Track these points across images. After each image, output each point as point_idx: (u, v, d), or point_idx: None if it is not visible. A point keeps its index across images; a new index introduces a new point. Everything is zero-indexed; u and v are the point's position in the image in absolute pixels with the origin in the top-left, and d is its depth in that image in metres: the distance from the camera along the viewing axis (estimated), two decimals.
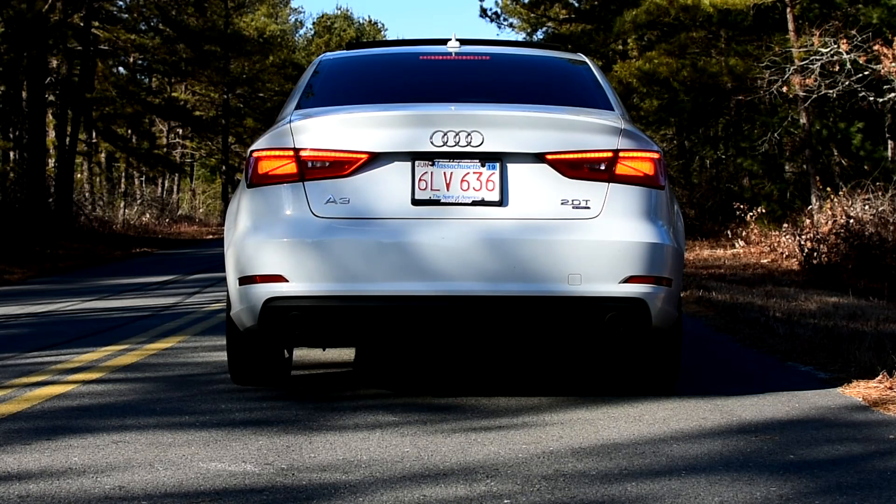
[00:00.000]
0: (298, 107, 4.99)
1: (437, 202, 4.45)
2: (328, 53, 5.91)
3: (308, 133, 4.51)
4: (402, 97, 5.24)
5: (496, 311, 4.42)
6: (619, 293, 4.40)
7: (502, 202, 4.44)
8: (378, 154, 4.45)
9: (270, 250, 4.42)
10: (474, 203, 4.44)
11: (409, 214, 4.44)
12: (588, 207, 4.46)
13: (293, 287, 4.38)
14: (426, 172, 4.47)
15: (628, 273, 4.40)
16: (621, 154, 4.52)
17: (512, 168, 4.48)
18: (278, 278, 4.40)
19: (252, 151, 4.63)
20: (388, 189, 4.46)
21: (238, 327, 4.68)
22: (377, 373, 5.74)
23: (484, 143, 4.43)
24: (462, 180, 4.48)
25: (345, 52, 5.97)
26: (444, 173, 4.47)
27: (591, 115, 4.83)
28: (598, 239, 4.41)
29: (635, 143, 4.56)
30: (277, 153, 4.52)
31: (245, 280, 4.48)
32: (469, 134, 4.44)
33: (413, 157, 4.46)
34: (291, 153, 4.49)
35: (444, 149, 4.43)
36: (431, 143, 4.43)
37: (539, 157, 4.47)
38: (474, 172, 4.48)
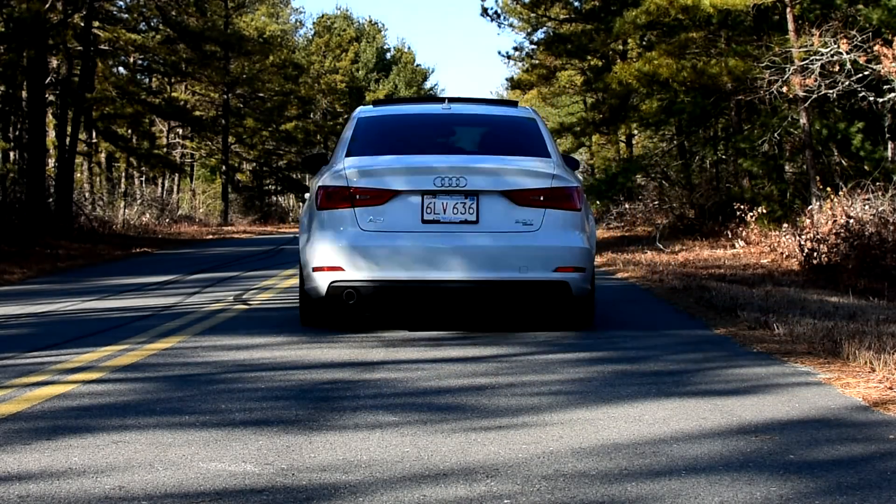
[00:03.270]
0: (348, 154, 7.24)
1: (437, 221, 6.82)
2: (363, 110, 8.06)
3: (357, 178, 6.87)
4: (415, 149, 7.42)
5: (475, 290, 6.84)
6: (551, 278, 6.79)
7: (478, 222, 6.82)
8: (401, 191, 6.80)
9: (334, 251, 6.78)
10: (461, 222, 6.82)
11: (420, 229, 6.79)
12: (531, 224, 6.81)
13: (347, 275, 6.76)
14: (430, 203, 6.81)
15: (557, 265, 6.79)
16: (553, 190, 6.83)
17: (484, 199, 6.82)
18: (338, 269, 6.78)
19: (319, 186, 6.96)
20: (406, 213, 6.80)
21: (310, 296, 7.05)
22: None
23: (467, 184, 6.77)
24: (453, 208, 6.83)
25: (374, 109, 8.13)
26: (442, 204, 6.82)
27: (534, 162, 7.15)
28: (538, 245, 6.79)
29: (562, 182, 6.91)
30: (337, 189, 6.86)
31: (318, 269, 6.85)
32: (457, 178, 6.77)
33: (422, 193, 6.81)
34: (346, 191, 6.84)
35: (442, 188, 6.78)
36: (434, 184, 6.77)
37: (501, 193, 6.81)
38: (460, 203, 6.82)
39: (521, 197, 6.80)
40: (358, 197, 6.80)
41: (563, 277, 6.77)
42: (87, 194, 31.03)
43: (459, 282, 6.74)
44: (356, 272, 6.75)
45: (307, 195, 7.77)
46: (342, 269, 6.77)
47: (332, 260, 6.78)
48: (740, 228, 17.69)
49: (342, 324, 7.57)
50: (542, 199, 6.80)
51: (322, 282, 6.81)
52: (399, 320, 7.99)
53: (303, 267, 7.10)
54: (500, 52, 45.39)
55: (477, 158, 7.39)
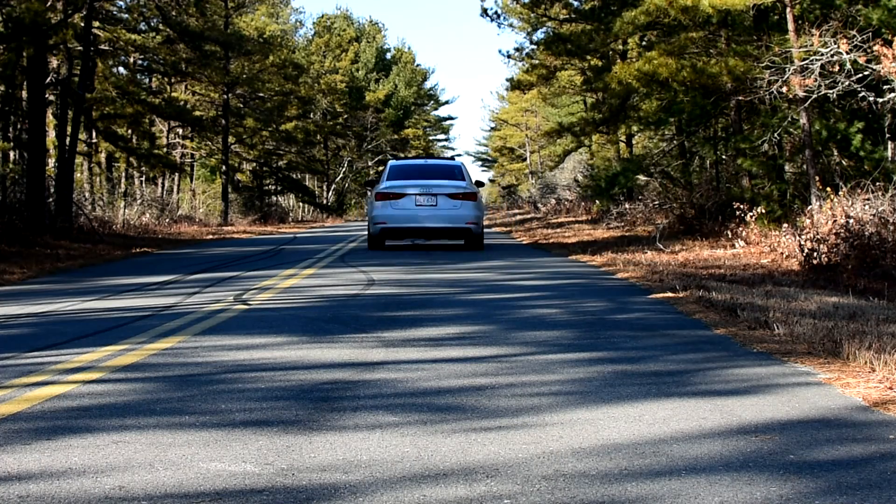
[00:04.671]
0: (387, 179, 18.22)
1: (421, 205, 17.65)
2: (393, 162, 19.58)
3: (390, 189, 17.72)
4: (412, 178, 18.18)
5: (436, 230, 17.63)
6: (464, 226, 17.55)
7: (436, 206, 17.56)
8: (406, 194, 17.55)
9: (383, 215, 17.58)
10: (429, 205, 17.60)
11: (414, 208, 17.61)
12: (457, 206, 17.56)
13: (387, 224, 17.56)
14: (418, 198, 17.60)
15: (466, 221, 17.51)
16: (466, 193, 17.72)
17: (439, 197, 17.54)
18: (384, 222, 17.63)
19: (376, 192, 17.90)
20: (409, 202, 17.58)
21: (373, 234, 17.94)
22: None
23: (432, 191, 17.63)
24: (426, 200, 17.59)
25: (397, 161, 19.95)
26: (423, 199, 17.62)
27: (458, 182, 18.01)
28: (459, 214, 17.54)
29: (468, 190, 17.77)
30: (384, 193, 17.69)
31: (376, 222, 17.72)
32: (428, 188, 17.65)
33: (414, 194, 17.61)
34: (388, 193, 17.67)
35: (422, 192, 17.66)
36: (419, 191, 17.64)
37: (446, 195, 17.57)
38: (429, 198, 17.63)
39: (453, 196, 17.37)
40: (391, 195, 17.46)
41: (468, 226, 17.44)
42: (87, 194, 31.01)
43: (430, 227, 17.37)
44: (391, 223, 17.36)
45: (369, 196, 18.81)
46: (385, 223, 17.43)
47: (381, 219, 17.42)
48: (740, 228, 17.67)
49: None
50: (461, 196, 17.47)
51: (377, 227, 17.53)
52: (401, 318, 8.00)
53: (370, 222, 17.90)
54: (500, 52, 45.38)
55: (436, 182, 17.86)
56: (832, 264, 12.95)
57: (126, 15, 31.27)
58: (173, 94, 39.33)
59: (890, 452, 3.84)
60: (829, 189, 15.04)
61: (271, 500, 3.26)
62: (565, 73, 35.58)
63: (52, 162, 26.34)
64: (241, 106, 44.56)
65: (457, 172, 18.57)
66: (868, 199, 14.20)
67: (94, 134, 32.02)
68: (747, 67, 17.06)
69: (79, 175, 32.01)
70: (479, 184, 19.53)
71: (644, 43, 25.71)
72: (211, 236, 28.26)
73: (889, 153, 17.46)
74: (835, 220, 13.62)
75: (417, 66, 72.28)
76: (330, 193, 60.20)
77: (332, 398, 4.91)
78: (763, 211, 16.86)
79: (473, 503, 3.22)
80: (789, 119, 17.57)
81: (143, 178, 39.55)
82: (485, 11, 28.26)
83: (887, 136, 17.61)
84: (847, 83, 15.33)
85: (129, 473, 3.56)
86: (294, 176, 54.12)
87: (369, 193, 19.30)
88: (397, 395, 5.01)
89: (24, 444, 3.98)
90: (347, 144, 61.02)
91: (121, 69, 35.08)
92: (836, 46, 15.20)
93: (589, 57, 27.63)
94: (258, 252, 18.99)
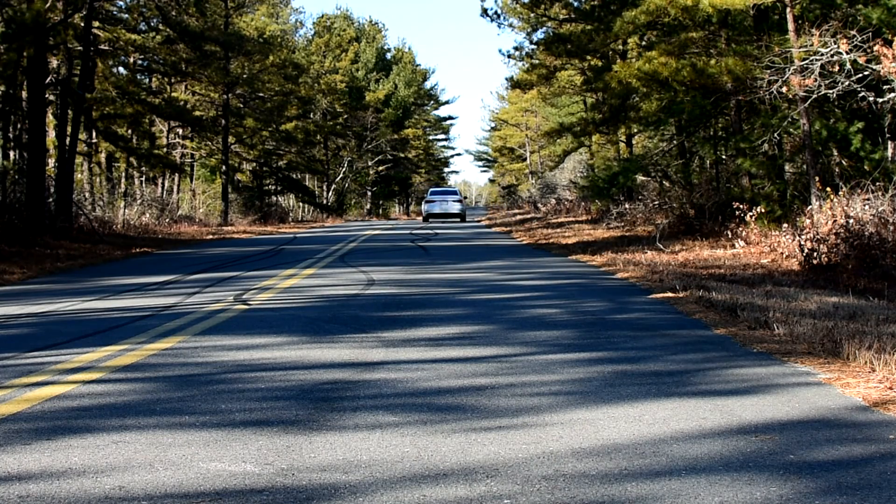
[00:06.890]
0: (430, 195, 44.64)
1: (442, 204, 43.39)
2: (433, 188, 50.83)
3: (430, 198, 43.85)
4: (438, 194, 44.97)
5: (448, 214, 43.18)
6: (458, 212, 43.12)
7: (447, 204, 43.33)
8: (436, 199, 43.50)
9: (429, 209, 43.13)
10: (444, 204, 43.70)
11: (440, 205, 43.31)
12: (455, 204, 43.53)
13: (430, 212, 43.00)
14: (441, 202, 43.14)
15: (459, 210, 43.20)
16: (460, 199, 44.01)
17: (449, 202, 43.40)
18: (429, 211, 43.15)
19: (425, 199, 44.75)
20: (437, 203, 43.23)
21: (424, 217, 43.21)
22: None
23: (446, 199, 43.83)
24: (444, 202, 43.21)
25: (433, 187, 55.30)
26: (442, 202, 43.29)
27: (457, 196, 44.67)
28: (456, 207, 43.32)
29: (461, 198, 44.48)
30: (427, 199, 43.94)
31: (426, 211, 43.43)
32: (444, 198, 43.70)
33: (439, 200, 43.39)
34: (429, 199, 43.51)
35: (441, 199, 43.67)
36: (441, 199, 43.55)
37: (451, 200, 43.63)
38: (444, 202, 43.23)
39: (454, 201, 43.19)
40: (430, 200, 43.25)
41: (460, 212, 42.92)
42: (87, 194, 31.00)
43: (445, 212, 42.56)
44: (431, 211, 42.49)
45: (423, 201, 44.90)
46: (429, 211, 42.60)
47: (428, 210, 42.62)
48: (740, 228, 17.67)
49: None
50: (459, 200, 43.49)
51: (426, 213, 42.61)
52: (405, 323, 8.01)
53: (423, 211, 43.15)
54: (500, 52, 45.49)
55: (447, 196, 44.00)
56: (832, 264, 12.95)
57: (126, 15, 31.27)
58: (173, 94, 39.32)
59: (890, 452, 3.84)
60: (829, 189, 15.03)
61: (271, 500, 3.26)
62: (565, 73, 35.61)
63: (52, 162, 26.33)
64: (241, 106, 44.58)
65: (455, 192, 43.54)
66: (868, 199, 14.20)
67: (94, 134, 32.01)
68: (747, 67, 17.05)
69: (79, 175, 32.01)
70: (464, 197, 44.83)
71: (644, 43, 25.70)
72: (211, 236, 28.25)
73: (889, 153, 17.46)
74: (835, 220, 13.62)
75: (417, 66, 72.31)
76: (330, 193, 60.22)
77: (332, 398, 4.91)
78: (763, 211, 16.85)
79: (473, 503, 3.22)
80: (789, 119, 17.57)
81: (143, 178, 39.54)
82: (485, 11, 28.26)
83: (887, 136, 17.60)
84: (847, 83, 15.32)
85: (129, 473, 3.56)
86: (294, 176, 54.15)
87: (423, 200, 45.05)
88: (397, 395, 5.01)
89: (24, 444, 3.98)
90: (347, 144, 61.04)
91: (121, 69, 35.07)
92: (836, 46, 15.20)
93: (589, 57, 27.63)
94: (258, 252, 18.99)
